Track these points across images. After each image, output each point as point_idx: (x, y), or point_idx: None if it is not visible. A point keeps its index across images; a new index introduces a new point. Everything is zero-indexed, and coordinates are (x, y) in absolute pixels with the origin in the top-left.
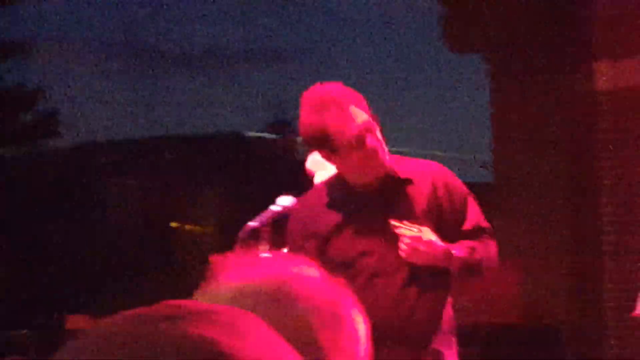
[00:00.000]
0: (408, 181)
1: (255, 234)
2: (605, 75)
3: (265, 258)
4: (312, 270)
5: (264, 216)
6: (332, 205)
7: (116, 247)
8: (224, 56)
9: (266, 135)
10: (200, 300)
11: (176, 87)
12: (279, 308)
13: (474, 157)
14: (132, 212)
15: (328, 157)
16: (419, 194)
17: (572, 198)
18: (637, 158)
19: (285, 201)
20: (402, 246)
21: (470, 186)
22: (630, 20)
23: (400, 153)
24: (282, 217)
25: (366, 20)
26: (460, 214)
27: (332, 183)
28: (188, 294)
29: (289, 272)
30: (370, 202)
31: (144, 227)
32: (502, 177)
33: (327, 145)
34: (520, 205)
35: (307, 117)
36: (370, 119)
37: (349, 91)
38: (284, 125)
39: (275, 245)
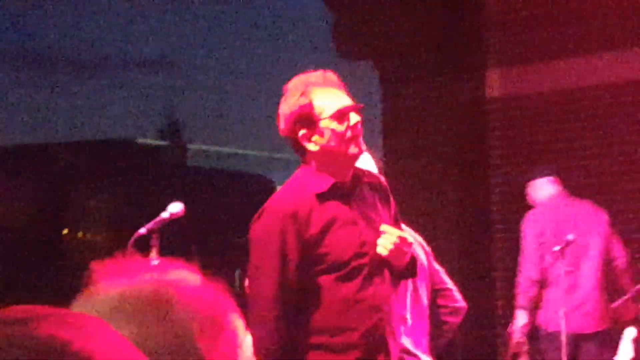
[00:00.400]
0: (376, 183)
1: (146, 241)
2: (496, 82)
3: (145, 264)
4: (191, 276)
5: (153, 223)
6: (317, 201)
7: (6, 254)
8: (116, 62)
9: (158, 141)
10: (79, 306)
11: (68, 93)
12: (158, 314)
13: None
14: (22, 218)
15: (309, 139)
16: (382, 198)
17: (462, 204)
18: (527, 164)
19: (175, 208)
20: (387, 244)
21: None
22: (520, 28)
23: (296, 161)
24: (171, 223)
25: (257, 29)
26: (396, 222)
27: (310, 178)
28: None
29: (169, 278)
30: (350, 200)
31: (35, 233)
32: (392, 183)
33: (309, 121)
34: (410, 211)
35: (293, 99)
36: (355, 105)
37: (336, 77)
38: (176, 131)
39: (165, 251)
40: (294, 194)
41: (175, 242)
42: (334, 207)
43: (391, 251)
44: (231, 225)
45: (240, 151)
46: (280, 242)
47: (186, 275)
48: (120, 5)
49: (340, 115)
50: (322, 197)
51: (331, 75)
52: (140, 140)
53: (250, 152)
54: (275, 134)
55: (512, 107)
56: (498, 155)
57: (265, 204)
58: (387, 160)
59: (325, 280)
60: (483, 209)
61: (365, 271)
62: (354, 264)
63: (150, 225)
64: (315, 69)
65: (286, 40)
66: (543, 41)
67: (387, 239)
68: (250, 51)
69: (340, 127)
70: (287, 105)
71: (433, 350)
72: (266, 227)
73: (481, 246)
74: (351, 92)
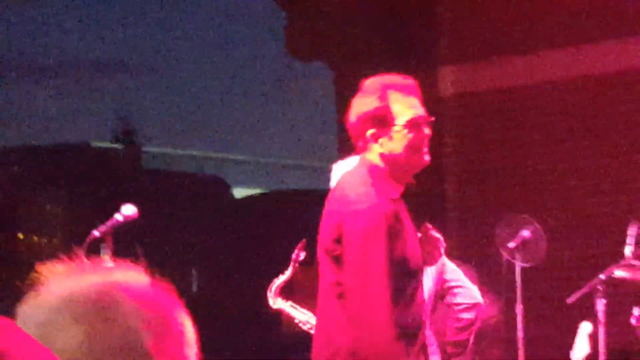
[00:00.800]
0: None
1: (100, 243)
2: (450, 80)
3: (93, 266)
4: (139, 277)
5: (107, 225)
6: (395, 205)
7: None
8: (71, 66)
9: (112, 144)
10: (27, 307)
11: (22, 98)
12: (104, 315)
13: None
14: None
15: (376, 139)
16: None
17: (418, 202)
18: (480, 162)
19: (128, 210)
20: (441, 248)
21: (318, 193)
22: (473, 25)
23: (250, 162)
24: (124, 225)
25: (211, 31)
26: None
27: (381, 179)
28: None
29: (116, 280)
30: (406, 206)
31: None
32: None
33: (382, 123)
34: None
35: (371, 99)
36: (429, 117)
37: (416, 85)
38: (130, 134)
39: (121, 253)
40: (380, 194)
41: (131, 244)
42: (404, 212)
43: (438, 254)
44: (187, 227)
45: (195, 153)
46: (387, 241)
47: (134, 277)
48: (71, 7)
49: (414, 125)
50: (395, 201)
51: (410, 82)
52: (95, 144)
53: (205, 153)
54: (230, 135)
55: (466, 104)
56: (452, 152)
57: (359, 204)
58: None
59: (399, 279)
60: (438, 205)
61: (421, 274)
62: (418, 268)
63: (103, 227)
64: (269, 69)
65: (238, 41)
66: (496, 38)
67: (438, 244)
68: (202, 52)
69: (410, 136)
70: (364, 103)
71: (451, 347)
72: (373, 225)
73: None
74: (304, 92)
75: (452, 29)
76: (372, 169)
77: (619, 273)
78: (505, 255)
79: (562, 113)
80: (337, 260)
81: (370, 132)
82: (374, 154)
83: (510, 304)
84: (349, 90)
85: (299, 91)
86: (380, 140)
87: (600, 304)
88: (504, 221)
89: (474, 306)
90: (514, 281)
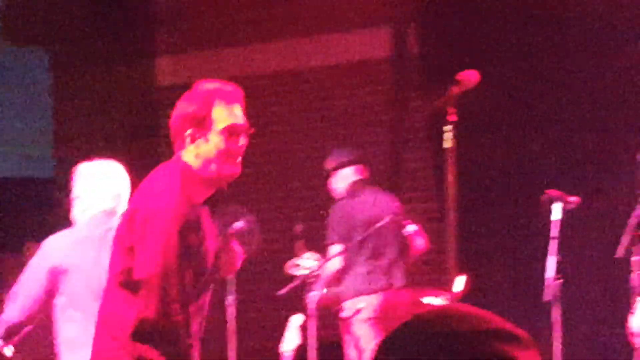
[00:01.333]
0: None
1: None
2: (167, 70)
3: None
4: None
5: None
6: (196, 209)
7: None
8: None
9: None
10: None
11: None
12: None
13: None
14: None
15: (193, 140)
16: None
17: (133, 188)
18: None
19: None
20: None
21: (30, 182)
22: (191, 16)
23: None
24: None
25: None
26: None
27: (190, 181)
28: None
29: None
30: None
31: None
32: (63, 171)
33: (201, 126)
34: None
35: (195, 101)
36: (245, 127)
37: (241, 95)
38: None
39: None
40: (183, 196)
41: None
42: (205, 217)
43: (234, 267)
44: None
45: None
46: (178, 240)
47: None
48: None
49: (231, 132)
50: (197, 207)
51: (236, 91)
52: None
53: None
54: None
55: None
56: (167, 142)
57: (159, 200)
58: (57, 148)
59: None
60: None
61: (209, 281)
62: (208, 275)
63: None
64: None
65: None
66: (213, 29)
67: (236, 257)
68: None
69: (225, 142)
70: (187, 104)
71: None
72: (167, 224)
73: None
74: (20, 77)
75: (170, 18)
76: (184, 170)
77: (291, 270)
78: None
79: (275, 104)
80: (129, 249)
81: (188, 132)
82: (189, 154)
83: (221, 296)
84: (66, 76)
85: (13, 76)
86: (197, 141)
87: (311, 297)
88: (218, 212)
89: None
90: None
